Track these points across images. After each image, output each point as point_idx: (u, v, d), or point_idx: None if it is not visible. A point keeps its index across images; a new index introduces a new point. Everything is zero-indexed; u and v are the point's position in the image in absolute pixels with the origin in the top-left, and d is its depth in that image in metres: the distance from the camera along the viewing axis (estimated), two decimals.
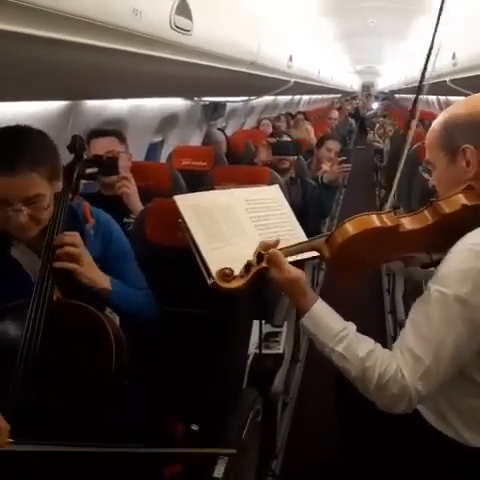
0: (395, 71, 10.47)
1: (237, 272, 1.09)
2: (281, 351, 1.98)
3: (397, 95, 13.54)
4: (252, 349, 1.80)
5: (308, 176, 3.28)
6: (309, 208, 3.00)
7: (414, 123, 1.51)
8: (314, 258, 1.23)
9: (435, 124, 1.14)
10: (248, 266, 1.09)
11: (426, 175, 1.19)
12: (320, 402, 1.66)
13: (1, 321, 1.17)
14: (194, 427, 1.51)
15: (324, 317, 1.07)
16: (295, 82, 4.01)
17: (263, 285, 1.63)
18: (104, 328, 1.15)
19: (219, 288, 1.09)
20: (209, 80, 2.33)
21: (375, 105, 15.23)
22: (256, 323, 1.74)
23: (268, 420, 1.84)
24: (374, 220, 1.05)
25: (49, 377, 1.12)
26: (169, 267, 1.52)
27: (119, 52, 1.17)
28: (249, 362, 1.75)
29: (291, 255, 1.12)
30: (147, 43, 1.20)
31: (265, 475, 1.78)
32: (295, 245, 1.14)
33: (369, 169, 7.82)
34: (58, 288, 1.19)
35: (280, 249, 1.10)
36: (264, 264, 1.08)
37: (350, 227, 1.05)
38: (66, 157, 1.33)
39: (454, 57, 2.72)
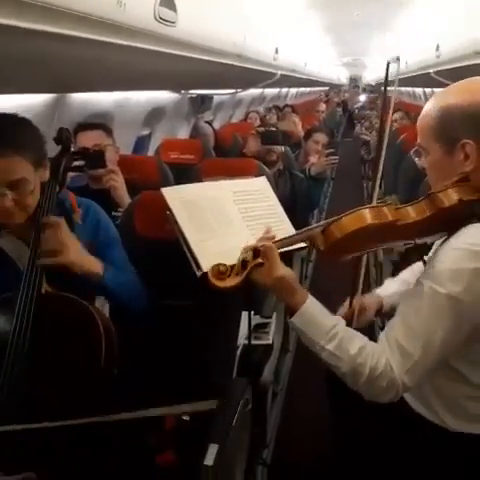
0: (381, 64, 10.51)
1: (228, 264, 1.06)
2: (270, 342, 2.00)
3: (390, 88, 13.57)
4: (242, 340, 1.81)
5: (296, 168, 3.29)
6: (297, 200, 3.01)
7: (389, 117, 1.48)
8: (302, 248, 1.24)
9: (429, 109, 1.09)
10: (244, 263, 1.06)
11: (416, 159, 1.17)
12: (310, 392, 1.68)
13: None
14: (185, 417, 1.54)
15: (314, 315, 1.06)
16: (281, 75, 4.01)
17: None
18: (93, 319, 1.16)
19: (215, 288, 1.05)
20: (195, 72, 2.33)
21: (362, 97, 15.28)
22: (245, 314, 1.76)
23: (258, 410, 1.86)
24: (373, 215, 1.03)
25: (39, 368, 1.13)
26: (158, 260, 1.52)
27: (104, 44, 1.17)
28: (239, 353, 1.76)
29: (286, 247, 1.11)
30: (131, 35, 1.20)
31: (256, 464, 1.80)
32: (290, 237, 1.12)
33: (357, 161, 7.86)
34: (47, 280, 1.19)
35: (275, 242, 1.08)
36: (260, 259, 1.05)
37: (349, 222, 1.03)
38: (52, 150, 1.33)
39: (438, 49, 2.74)
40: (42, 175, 1.24)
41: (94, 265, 1.26)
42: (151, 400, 1.43)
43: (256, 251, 1.06)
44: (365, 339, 1.06)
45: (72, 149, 1.34)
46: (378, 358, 1.01)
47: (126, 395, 1.32)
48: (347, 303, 1.38)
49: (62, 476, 1.10)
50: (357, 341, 1.04)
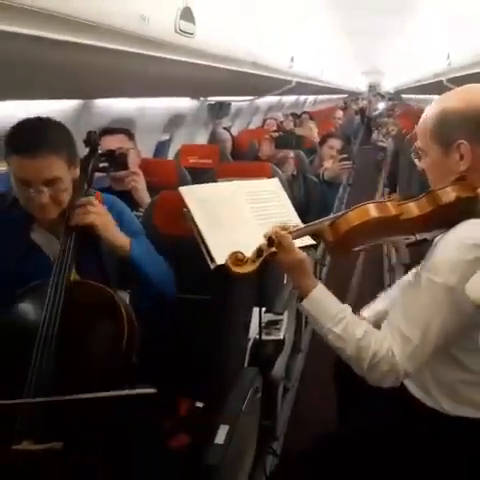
0: (400, 71, 10.53)
1: (249, 256, 1.14)
2: (281, 337, 2.07)
3: (403, 95, 13.58)
4: (253, 334, 1.89)
5: (310, 173, 3.38)
6: (311, 204, 3.10)
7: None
8: (313, 246, 1.32)
9: (429, 113, 1.16)
10: (259, 250, 1.14)
11: (416, 160, 1.25)
12: (321, 391, 1.75)
13: (22, 301, 1.26)
14: (198, 404, 1.62)
15: (324, 300, 1.14)
16: (297, 82, 4.10)
17: (264, 274, 1.74)
18: (117, 306, 1.24)
19: (233, 273, 1.13)
20: (212, 80, 2.43)
21: (381, 105, 15.27)
22: (257, 311, 1.84)
23: (269, 402, 1.94)
24: (377, 209, 1.11)
25: (66, 354, 1.19)
26: (175, 255, 1.59)
27: (129, 54, 1.27)
28: (250, 345, 1.84)
29: (298, 237, 1.18)
30: (154, 46, 1.31)
31: (266, 453, 1.88)
32: (302, 228, 1.20)
33: (374, 168, 7.89)
34: (76, 269, 1.28)
35: (288, 232, 1.15)
36: (274, 248, 1.13)
37: (354, 216, 1.10)
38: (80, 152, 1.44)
39: (448, 57, 2.80)
40: (74, 173, 1.34)
41: (123, 239, 1.35)
42: (165, 388, 1.53)
43: (270, 240, 1.13)
44: (370, 326, 1.13)
45: (99, 151, 1.45)
46: (381, 343, 1.08)
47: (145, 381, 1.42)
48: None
49: (82, 451, 1.17)
50: (362, 326, 1.12)
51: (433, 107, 1.17)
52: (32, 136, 1.24)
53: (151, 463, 1.28)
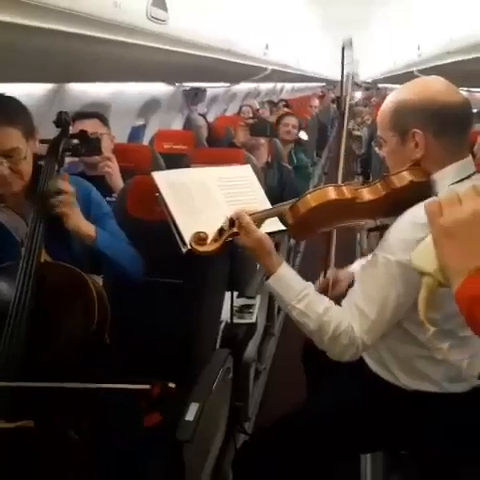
0: (376, 61, 10.62)
1: (211, 237, 1.21)
2: (254, 321, 2.13)
3: (380, 85, 13.70)
4: (225, 317, 1.94)
5: (284, 160, 3.42)
6: (285, 191, 3.14)
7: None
8: (281, 232, 1.37)
9: (386, 105, 1.23)
10: (221, 231, 1.20)
11: (377, 149, 1.31)
12: (292, 373, 1.81)
13: None
14: (171, 384, 1.66)
15: (288, 277, 1.20)
16: (272, 70, 4.12)
17: (237, 259, 1.79)
18: (87, 286, 1.27)
19: (195, 251, 1.19)
20: (186, 66, 2.44)
21: (358, 94, 15.35)
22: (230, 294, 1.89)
23: (240, 384, 1.99)
24: (333, 192, 1.16)
25: (37, 332, 1.22)
26: (148, 240, 1.61)
27: (101, 40, 1.29)
28: (222, 328, 1.89)
29: (259, 220, 1.23)
30: (126, 32, 1.32)
31: (237, 432, 1.93)
32: (262, 211, 1.25)
33: (349, 157, 7.98)
34: (46, 250, 1.30)
35: (249, 214, 1.20)
36: (235, 229, 1.19)
37: (311, 199, 1.15)
38: (51, 134, 1.45)
39: (419, 48, 2.87)
40: (33, 146, 1.35)
41: (88, 227, 1.37)
42: (138, 369, 1.56)
43: (231, 221, 1.19)
44: (331, 303, 1.19)
45: (70, 131, 1.45)
46: (341, 319, 1.15)
47: (115, 363, 1.45)
48: (322, 278, 1.52)
49: (56, 429, 1.21)
50: (324, 303, 1.18)
51: (391, 98, 1.23)
52: None
53: (127, 440, 1.33)
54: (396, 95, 1.22)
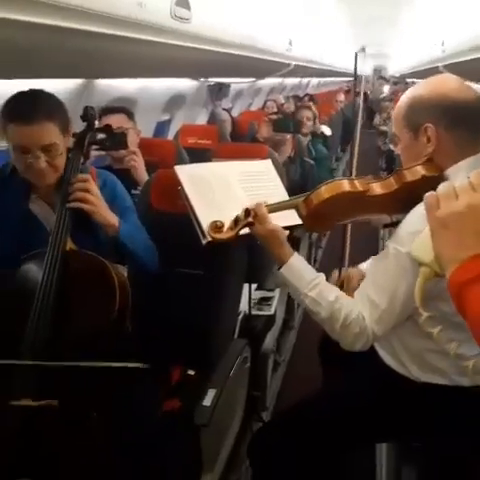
0: (405, 55, 10.46)
1: (227, 225, 1.27)
2: (272, 312, 2.17)
3: (408, 79, 13.47)
4: (244, 308, 1.98)
5: (307, 155, 3.44)
6: (307, 185, 3.16)
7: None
8: (296, 226, 1.40)
9: (400, 102, 1.26)
10: (236, 220, 1.26)
11: (392, 146, 1.34)
12: (311, 366, 1.85)
13: (23, 267, 1.35)
14: (190, 372, 1.72)
15: (299, 267, 1.25)
16: (296, 65, 4.12)
17: (257, 252, 1.82)
18: (109, 274, 1.33)
19: (212, 238, 1.25)
20: (210, 62, 2.48)
21: (386, 88, 15.14)
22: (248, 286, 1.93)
23: (258, 374, 2.04)
24: (346, 185, 1.20)
25: (61, 316, 1.29)
26: (170, 232, 1.67)
27: (127, 39, 1.34)
28: (240, 319, 1.94)
29: (274, 212, 1.27)
30: (150, 31, 1.37)
31: (254, 421, 1.98)
32: (277, 203, 1.29)
33: (375, 152, 7.90)
34: (71, 239, 1.37)
35: (264, 206, 1.25)
36: (250, 219, 1.24)
37: (324, 190, 1.19)
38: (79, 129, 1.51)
39: (443, 44, 2.84)
40: (67, 141, 1.42)
41: (112, 218, 1.42)
42: (159, 357, 1.62)
43: (247, 211, 1.25)
44: (342, 292, 1.23)
45: (96, 125, 1.51)
46: (352, 308, 1.19)
47: (135, 351, 1.51)
48: (336, 274, 1.55)
49: (78, 408, 1.27)
50: (334, 291, 1.23)
51: (405, 96, 1.27)
52: (27, 105, 1.32)
53: (146, 423, 1.38)
54: (410, 92, 1.25)
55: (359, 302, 1.20)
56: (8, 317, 1.29)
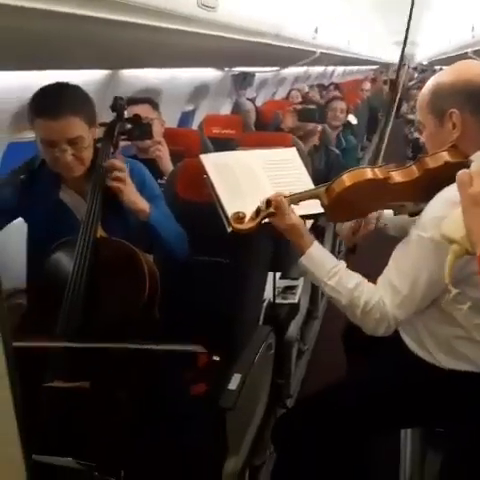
0: (433, 43, 10.23)
1: (248, 216, 1.28)
2: (296, 301, 2.18)
3: (437, 66, 13.17)
4: (268, 296, 2.00)
5: (333, 145, 3.42)
6: (331, 174, 3.15)
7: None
8: (317, 215, 1.40)
9: (425, 89, 1.26)
10: (258, 210, 1.27)
11: (417, 134, 1.33)
12: (336, 354, 1.86)
13: (55, 255, 1.39)
14: (215, 357, 1.75)
15: (319, 256, 1.27)
16: (322, 53, 4.09)
17: (278, 239, 1.83)
18: (139, 261, 1.36)
19: (233, 228, 1.28)
20: (236, 51, 2.48)
21: (416, 76, 14.83)
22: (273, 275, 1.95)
23: (282, 362, 2.06)
24: (367, 172, 1.20)
25: (92, 302, 1.33)
26: (196, 220, 1.68)
27: (153, 28, 1.36)
28: (265, 306, 1.95)
29: (295, 202, 1.28)
30: (177, 20, 1.38)
31: (278, 407, 2.01)
32: (299, 193, 1.30)
33: (403, 141, 7.78)
34: (102, 226, 1.40)
35: (285, 197, 1.26)
36: (271, 209, 1.25)
37: (346, 178, 1.20)
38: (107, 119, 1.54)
39: (473, 29, 2.78)
40: (94, 133, 1.44)
41: (143, 202, 1.45)
42: (186, 343, 1.65)
43: (268, 202, 1.26)
44: (362, 278, 1.24)
45: (125, 115, 1.54)
46: (373, 293, 1.20)
47: (163, 336, 1.54)
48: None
49: (109, 390, 1.31)
50: (354, 278, 1.23)
51: (429, 82, 1.26)
52: (53, 99, 1.35)
53: (174, 406, 1.42)
54: (434, 79, 1.25)
55: (381, 288, 1.21)
56: (40, 304, 1.34)
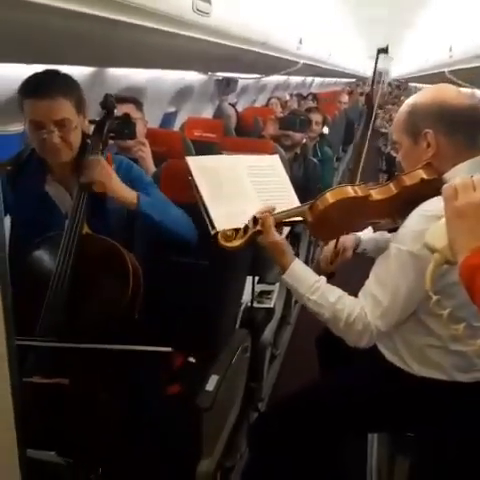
0: (410, 59, 10.48)
1: (237, 226, 1.32)
2: (272, 306, 2.21)
3: (411, 83, 13.50)
4: (246, 300, 2.02)
5: (311, 154, 3.48)
6: (310, 184, 3.20)
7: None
8: (300, 222, 1.44)
9: (401, 109, 1.32)
10: (246, 228, 1.31)
11: (394, 153, 1.39)
12: (307, 361, 1.89)
13: (38, 250, 1.38)
14: (191, 359, 1.76)
15: (301, 272, 1.30)
16: (304, 64, 4.16)
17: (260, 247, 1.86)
18: (124, 259, 1.36)
19: (222, 246, 1.31)
20: (223, 57, 2.51)
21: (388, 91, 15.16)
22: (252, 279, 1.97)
23: (256, 365, 2.08)
24: (349, 191, 1.25)
25: (75, 299, 1.32)
26: None
27: (146, 29, 1.37)
28: (242, 310, 1.97)
29: (281, 220, 1.33)
30: (172, 23, 1.40)
31: (251, 410, 2.02)
32: (285, 211, 1.34)
33: (376, 154, 7.94)
34: (87, 223, 1.40)
35: (271, 214, 1.30)
36: (259, 227, 1.29)
37: (329, 196, 1.25)
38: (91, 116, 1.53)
39: (451, 50, 2.88)
40: (83, 122, 1.44)
41: (130, 194, 1.43)
42: (162, 343, 1.65)
43: (255, 220, 1.30)
44: (344, 293, 1.28)
45: (115, 113, 1.54)
46: (354, 306, 1.23)
47: (141, 337, 1.54)
48: (331, 244, 1.57)
49: (88, 391, 1.30)
50: (336, 292, 1.27)
51: (406, 103, 1.32)
52: (42, 81, 1.36)
53: (150, 406, 1.42)
54: (411, 100, 1.31)
55: (362, 299, 1.25)
56: (23, 299, 1.32)
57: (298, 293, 1.30)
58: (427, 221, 1.15)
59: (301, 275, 1.30)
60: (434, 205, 1.17)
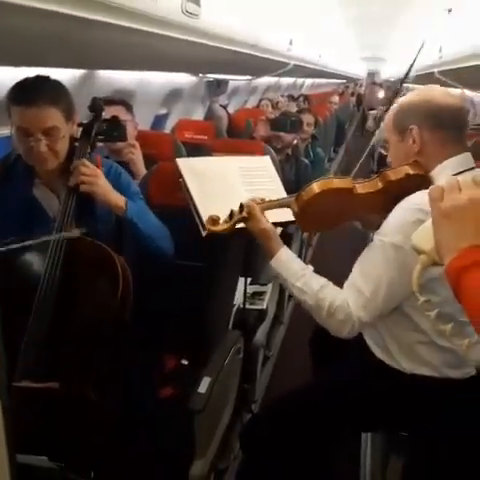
0: (401, 60, 10.52)
1: (222, 219, 1.34)
2: (264, 307, 2.21)
3: (405, 84, 13.50)
4: (238, 301, 2.02)
5: (302, 155, 3.49)
6: (302, 185, 3.20)
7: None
8: (288, 223, 1.45)
9: (391, 109, 1.36)
10: (231, 214, 1.34)
11: (384, 152, 1.41)
12: (300, 361, 1.89)
13: (25, 255, 1.36)
14: (184, 361, 1.75)
15: (288, 259, 1.33)
16: (295, 65, 4.17)
17: (253, 248, 1.86)
18: (113, 262, 1.35)
19: (208, 230, 1.34)
20: (213, 58, 2.51)
21: (381, 94, 15.21)
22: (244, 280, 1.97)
23: (249, 366, 2.08)
24: (334, 182, 1.27)
25: (65, 303, 1.31)
26: (169, 224, 1.66)
27: (136, 31, 1.37)
28: (234, 311, 1.97)
29: (267, 209, 1.35)
30: (161, 25, 1.40)
31: (244, 411, 2.02)
32: (271, 201, 1.37)
33: (367, 155, 7.96)
34: (76, 227, 1.38)
35: (258, 203, 1.34)
36: (244, 214, 1.32)
37: (315, 186, 1.26)
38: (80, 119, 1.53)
39: (441, 50, 2.90)
40: (71, 129, 1.44)
41: (118, 198, 1.43)
42: (155, 345, 1.65)
43: (241, 207, 1.33)
44: (328, 282, 1.30)
45: (103, 116, 1.53)
46: (337, 295, 1.26)
47: (133, 339, 1.53)
48: None
49: (79, 394, 1.30)
50: (320, 281, 1.29)
51: (395, 104, 1.36)
52: (32, 88, 1.35)
53: (143, 409, 1.42)
54: (400, 101, 1.35)
55: (346, 290, 1.27)
56: (11, 304, 1.31)
57: (283, 279, 1.33)
58: (410, 213, 1.18)
59: (288, 261, 1.33)
60: (417, 198, 1.19)
